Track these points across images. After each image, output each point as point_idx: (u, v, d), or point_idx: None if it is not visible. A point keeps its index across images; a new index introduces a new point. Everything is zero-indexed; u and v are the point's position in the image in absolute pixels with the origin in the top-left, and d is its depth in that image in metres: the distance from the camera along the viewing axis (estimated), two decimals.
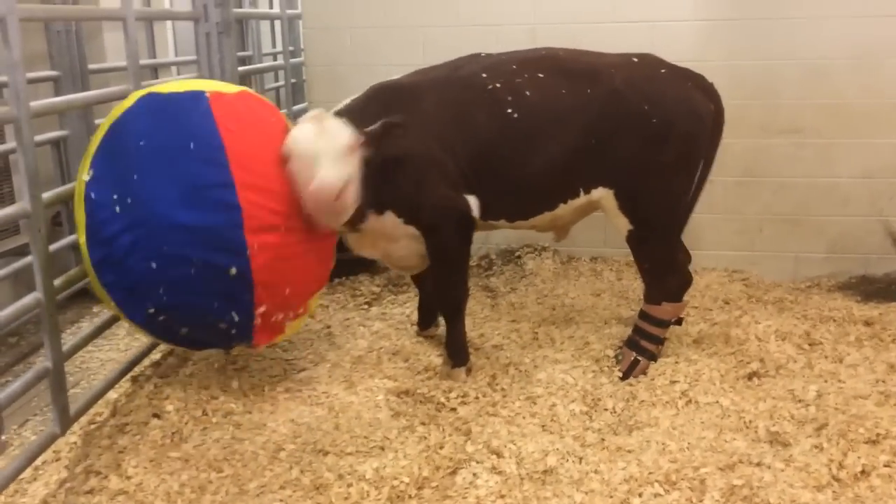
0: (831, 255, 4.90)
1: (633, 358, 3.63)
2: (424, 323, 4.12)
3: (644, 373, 3.59)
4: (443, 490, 2.74)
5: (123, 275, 2.89)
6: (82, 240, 2.93)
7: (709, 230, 5.01)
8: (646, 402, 3.34)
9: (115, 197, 2.82)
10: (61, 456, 3.03)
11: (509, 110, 3.43)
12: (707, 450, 2.95)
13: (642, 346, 3.66)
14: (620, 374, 3.58)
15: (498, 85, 3.47)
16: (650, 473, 2.76)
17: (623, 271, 4.95)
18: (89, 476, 2.83)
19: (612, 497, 2.67)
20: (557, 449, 2.93)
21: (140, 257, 2.83)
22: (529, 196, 3.59)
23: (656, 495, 2.67)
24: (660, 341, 3.71)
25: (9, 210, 2.64)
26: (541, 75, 3.51)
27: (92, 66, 4.78)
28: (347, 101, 3.51)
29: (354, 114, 3.38)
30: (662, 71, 3.60)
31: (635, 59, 3.62)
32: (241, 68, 4.78)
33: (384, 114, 3.27)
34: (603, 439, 3.05)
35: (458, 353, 3.65)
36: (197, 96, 3.00)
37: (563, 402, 3.32)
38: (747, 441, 3.02)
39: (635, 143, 3.45)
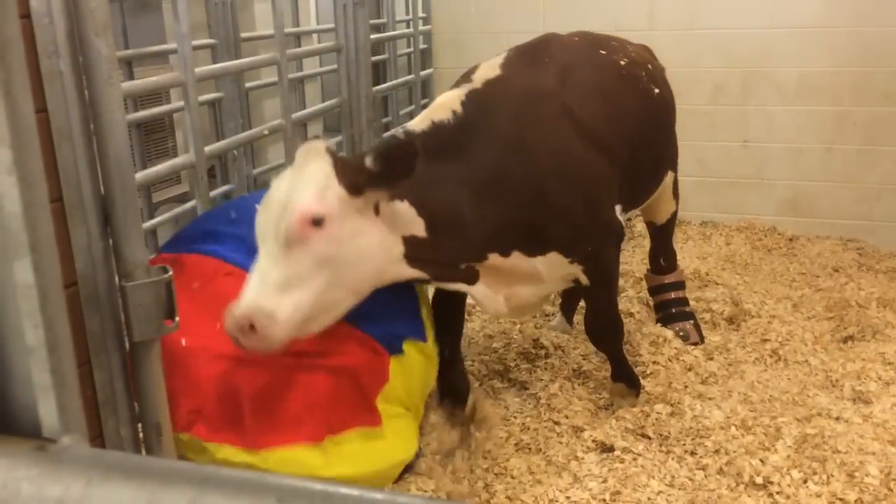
0: None
1: (692, 323, 3.68)
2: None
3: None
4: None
5: None
6: None
7: (825, 198, 4.99)
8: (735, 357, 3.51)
9: None
10: None
11: (651, 86, 3.15)
12: (788, 403, 3.10)
13: (689, 311, 3.76)
14: (697, 343, 3.61)
15: (627, 61, 3.09)
16: (727, 418, 2.95)
17: (732, 237, 5.04)
18: None
19: (687, 436, 2.90)
20: (645, 391, 3.18)
21: None
22: (651, 180, 3.34)
23: (732, 437, 2.87)
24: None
25: (178, 160, 3.14)
26: (633, 52, 3.23)
27: (243, 35, 5.32)
28: (448, 114, 2.54)
29: (488, 129, 2.54)
30: None
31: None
32: (373, 36, 5.17)
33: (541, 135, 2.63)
34: (686, 386, 3.25)
35: (631, 378, 3.17)
36: None
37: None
38: (830, 398, 3.13)
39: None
